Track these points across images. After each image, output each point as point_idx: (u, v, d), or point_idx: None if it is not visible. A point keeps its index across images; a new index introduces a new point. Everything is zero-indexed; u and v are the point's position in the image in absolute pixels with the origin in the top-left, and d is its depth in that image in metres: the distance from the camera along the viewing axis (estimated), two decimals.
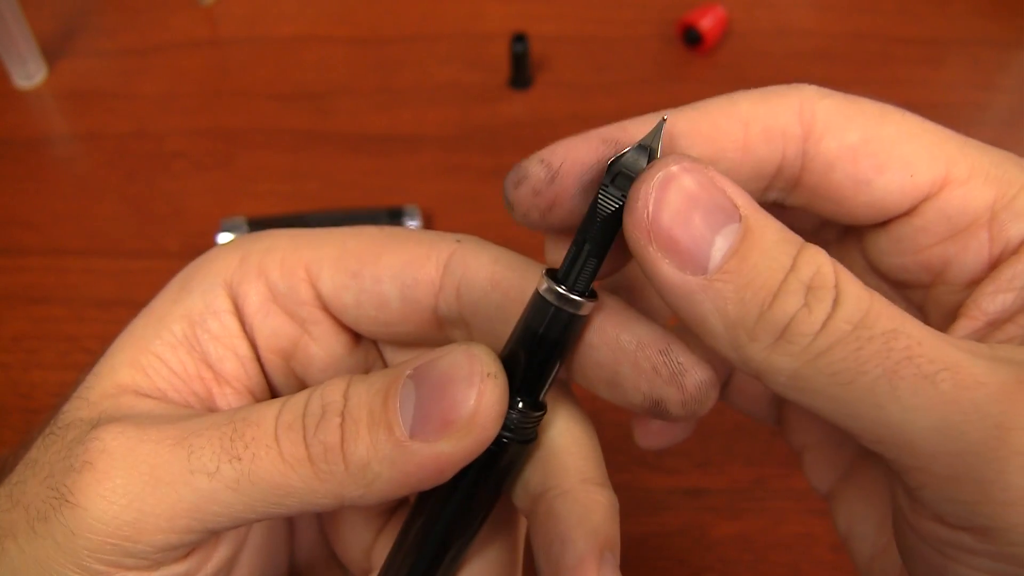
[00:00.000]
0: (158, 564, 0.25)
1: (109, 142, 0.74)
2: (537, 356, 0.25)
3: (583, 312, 0.24)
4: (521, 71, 0.76)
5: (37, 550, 0.24)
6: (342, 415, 0.24)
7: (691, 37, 0.78)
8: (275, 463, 0.24)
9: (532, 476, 0.26)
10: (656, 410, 0.25)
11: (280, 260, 0.28)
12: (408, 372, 0.24)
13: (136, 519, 0.24)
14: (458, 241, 0.27)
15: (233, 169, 0.72)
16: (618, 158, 0.23)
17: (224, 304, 0.28)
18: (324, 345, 0.29)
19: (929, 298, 0.27)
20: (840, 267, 0.22)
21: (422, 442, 0.23)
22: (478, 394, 0.23)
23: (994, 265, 0.25)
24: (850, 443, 0.30)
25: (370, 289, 0.28)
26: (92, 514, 0.24)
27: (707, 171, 0.22)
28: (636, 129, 0.24)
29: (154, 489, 0.24)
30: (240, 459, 0.24)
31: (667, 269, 0.22)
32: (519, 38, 0.74)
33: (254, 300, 0.28)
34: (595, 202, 0.23)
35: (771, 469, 0.55)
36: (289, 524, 0.32)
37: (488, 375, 0.23)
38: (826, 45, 0.78)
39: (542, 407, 0.26)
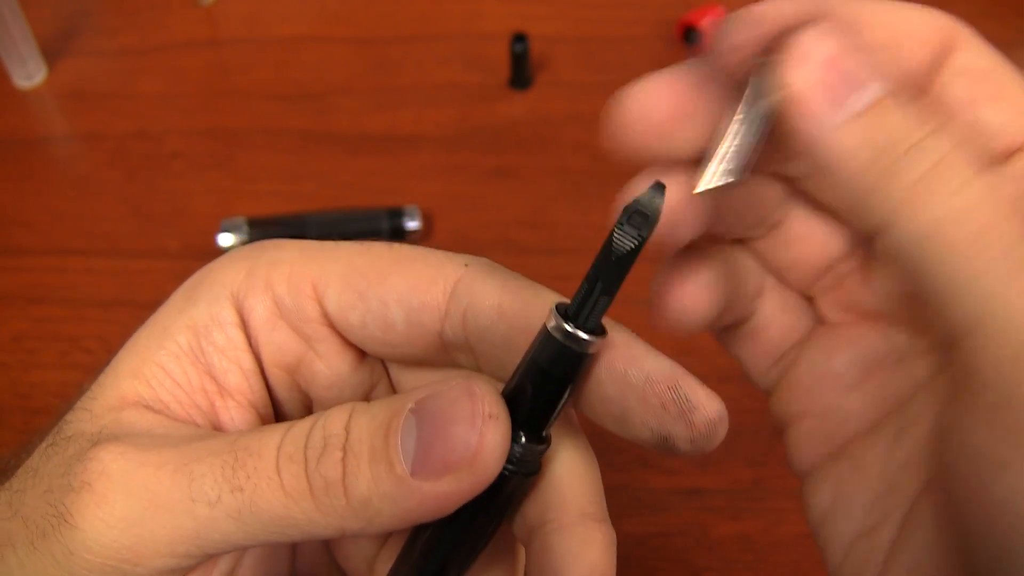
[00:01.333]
0: None
1: (109, 142, 0.74)
2: (543, 391, 0.24)
3: (591, 351, 0.24)
4: (521, 71, 0.76)
5: (36, 565, 0.24)
6: (344, 449, 0.24)
7: (691, 37, 0.78)
8: (277, 495, 0.24)
9: (531, 507, 0.26)
10: (664, 446, 0.25)
11: (287, 275, 0.28)
12: (411, 405, 0.24)
13: (135, 543, 0.24)
14: (466, 265, 0.27)
15: (233, 169, 0.72)
16: (634, 199, 0.23)
17: (230, 316, 0.28)
18: (329, 362, 0.29)
19: None
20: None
21: (423, 480, 0.23)
22: (479, 436, 0.23)
23: None
24: (854, 414, 0.29)
25: (376, 311, 0.27)
26: (91, 536, 0.24)
27: (857, 40, 0.23)
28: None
29: (154, 515, 0.24)
30: (242, 490, 0.24)
31: (812, 104, 0.22)
32: (519, 38, 0.74)
33: (260, 314, 0.28)
34: (609, 240, 0.23)
35: (771, 469, 0.55)
36: None
37: (490, 416, 0.23)
38: None
39: (546, 441, 0.25)
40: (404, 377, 0.30)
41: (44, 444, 0.27)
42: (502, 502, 0.26)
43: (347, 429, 0.24)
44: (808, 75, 0.22)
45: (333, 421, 0.24)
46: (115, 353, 0.28)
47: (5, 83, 0.78)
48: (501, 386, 0.25)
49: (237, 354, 0.28)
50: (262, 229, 0.64)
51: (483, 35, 0.81)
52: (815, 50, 0.23)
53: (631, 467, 0.55)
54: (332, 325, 0.28)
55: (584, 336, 0.23)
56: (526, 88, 0.77)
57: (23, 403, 0.59)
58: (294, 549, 0.32)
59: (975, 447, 0.22)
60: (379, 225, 0.66)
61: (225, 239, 0.64)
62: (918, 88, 0.26)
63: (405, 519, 0.24)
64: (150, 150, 0.73)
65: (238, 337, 0.28)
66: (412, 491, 0.23)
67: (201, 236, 0.67)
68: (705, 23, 0.78)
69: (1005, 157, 0.25)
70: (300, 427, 0.25)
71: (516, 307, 0.26)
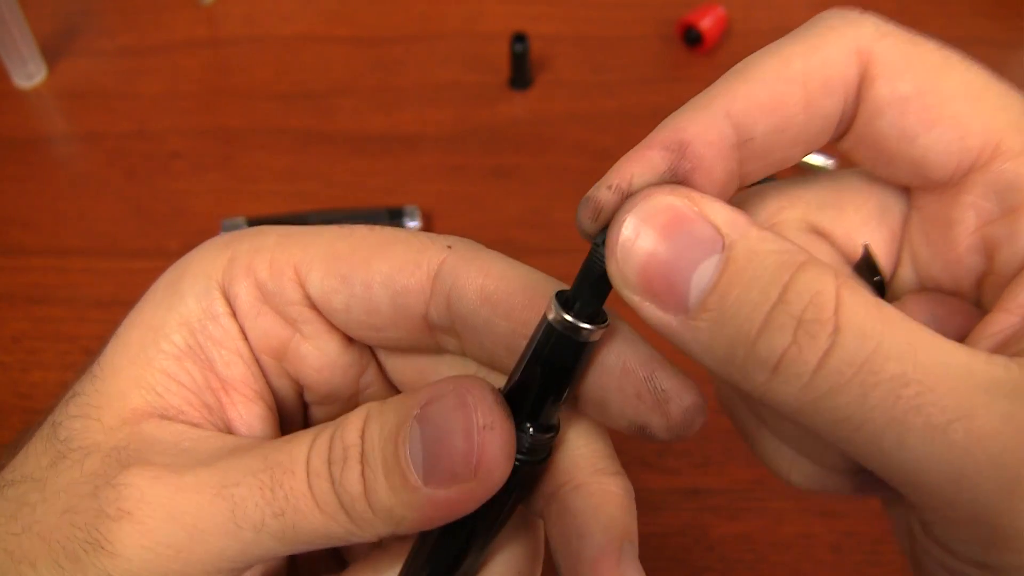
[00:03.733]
0: None
1: (109, 142, 0.74)
2: (546, 382, 0.24)
3: (592, 339, 0.24)
4: (521, 71, 0.76)
5: None
6: (361, 461, 0.24)
7: (691, 37, 0.78)
8: (314, 514, 0.24)
9: (545, 479, 0.26)
10: (642, 434, 0.24)
11: (269, 260, 0.28)
12: (415, 412, 0.24)
13: (182, 569, 0.24)
14: (449, 247, 0.27)
15: (233, 169, 0.72)
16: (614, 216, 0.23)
17: (222, 307, 0.28)
18: (317, 343, 0.29)
19: (981, 302, 0.25)
20: (848, 293, 0.20)
21: (435, 488, 0.23)
22: (478, 448, 0.23)
23: None
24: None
25: (360, 295, 0.27)
26: (135, 564, 0.23)
27: (684, 200, 0.21)
28: (694, 126, 0.23)
29: (199, 540, 0.24)
30: (283, 514, 0.24)
31: (649, 311, 0.21)
32: (519, 38, 0.74)
33: (244, 300, 0.28)
34: (589, 258, 0.23)
35: None
36: None
37: (484, 427, 0.23)
38: None
39: (554, 428, 0.25)
40: (392, 362, 0.30)
41: (43, 452, 0.26)
42: (517, 489, 0.25)
43: (362, 438, 0.24)
44: (633, 282, 0.21)
45: (350, 430, 0.24)
46: (99, 353, 0.28)
47: (5, 83, 0.78)
48: (501, 381, 0.25)
49: (236, 344, 0.28)
50: None
51: (483, 35, 0.81)
52: (635, 243, 0.21)
53: (631, 467, 0.54)
54: (315, 308, 0.28)
55: (584, 325, 0.23)
56: (526, 88, 0.77)
57: (23, 403, 0.59)
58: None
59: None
60: (379, 225, 0.66)
61: None
62: (841, 132, 0.24)
63: (429, 521, 0.24)
64: (150, 150, 0.73)
65: (233, 327, 0.28)
66: (427, 499, 0.23)
67: (201, 236, 0.66)
68: (705, 23, 0.78)
69: (957, 183, 0.24)
70: (323, 437, 0.25)
71: (499, 293, 0.26)
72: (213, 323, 0.28)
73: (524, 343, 0.25)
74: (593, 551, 0.24)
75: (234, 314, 0.28)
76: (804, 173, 0.60)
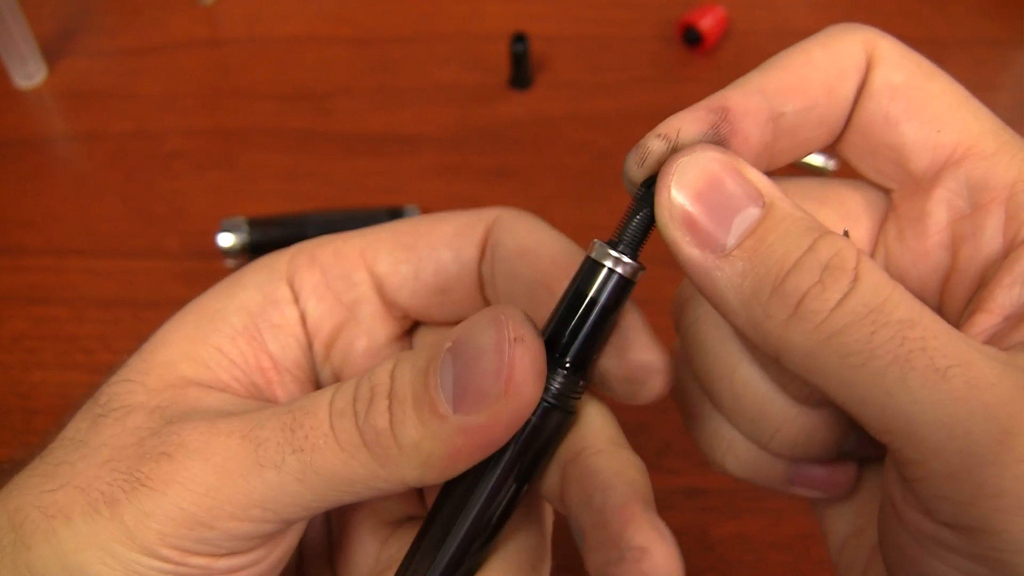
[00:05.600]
0: (228, 552, 0.25)
1: (109, 142, 0.74)
2: (582, 319, 0.25)
3: (628, 275, 0.25)
4: (521, 71, 0.76)
5: (99, 532, 0.24)
6: (389, 397, 0.24)
7: (691, 37, 0.78)
8: (334, 452, 0.24)
9: (563, 447, 0.27)
10: (601, 381, 0.27)
11: (332, 250, 0.30)
12: (448, 345, 0.24)
13: (212, 507, 0.24)
14: (504, 209, 0.30)
15: (233, 169, 0.72)
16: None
17: (285, 294, 0.29)
18: (369, 329, 0.30)
19: (943, 303, 0.27)
20: (866, 257, 0.22)
21: (465, 415, 0.23)
22: (508, 361, 0.23)
23: (1008, 251, 0.25)
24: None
25: (427, 256, 0.29)
26: (170, 499, 0.24)
27: (732, 159, 0.23)
28: (735, 96, 0.25)
29: (228, 480, 0.24)
30: (302, 450, 0.24)
31: (687, 248, 0.23)
32: (519, 38, 0.74)
33: (308, 285, 0.29)
34: (634, 202, 0.25)
35: None
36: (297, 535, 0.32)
37: (516, 340, 0.23)
38: None
39: (584, 377, 0.26)
40: None
41: (83, 418, 0.26)
42: (542, 439, 0.26)
43: (392, 377, 0.24)
44: (678, 218, 0.23)
45: (379, 372, 0.25)
46: (146, 339, 0.28)
47: (5, 83, 0.78)
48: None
49: (294, 329, 0.29)
50: (262, 229, 0.64)
51: (483, 35, 0.81)
52: (685, 183, 0.23)
53: None
54: (380, 289, 0.30)
55: (625, 259, 0.25)
56: (526, 88, 0.77)
57: (23, 403, 0.59)
58: (299, 565, 0.32)
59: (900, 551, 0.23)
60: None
61: (225, 239, 0.63)
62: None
63: (457, 458, 0.24)
64: (150, 150, 0.73)
65: (293, 314, 0.29)
66: (457, 428, 0.23)
67: (201, 236, 0.67)
68: (705, 23, 0.78)
69: (932, 178, 0.26)
70: (350, 382, 0.25)
71: (537, 248, 0.28)
72: (273, 307, 0.29)
73: (551, 298, 0.26)
74: (619, 500, 0.24)
75: (296, 301, 0.29)
76: (805, 174, 0.59)
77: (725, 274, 0.23)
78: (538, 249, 0.28)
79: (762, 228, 0.23)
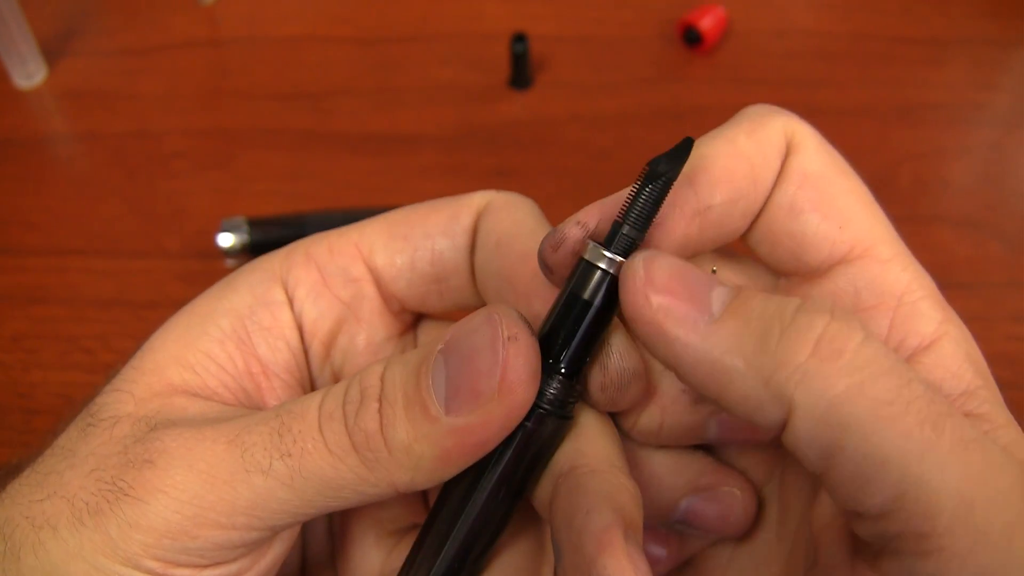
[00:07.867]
0: (213, 563, 0.24)
1: (109, 142, 0.74)
2: (577, 323, 0.24)
3: (617, 272, 0.24)
4: (521, 71, 0.76)
5: (83, 543, 0.23)
6: (379, 399, 0.24)
7: (691, 37, 0.78)
8: (323, 456, 0.24)
9: (559, 457, 0.26)
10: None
11: (328, 246, 0.29)
12: (440, 346, 0.24)
13: (196, 515, 0.23)
14: (496, 194, 0.29)
15: (233, 169, 0.72)
16: (657, 157, 0.24)
17: (278, 296, 0.29)
18: (369, 325, 0.29)
19: None
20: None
21: (456, 416, 0.23)
22: (502, 360, 0.23)
23: None
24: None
25: (422, 245, 0.29)
26: (153, 509, 0.23)
27: (679, 259, 0.23)
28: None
29: (212, 487, 0.24)
30: (290, 455, 0.24)
31: (673, 328, 0.22)
32: (519, 38, 0.74)
33: (305, 284, 0.29)
34: (643, 180, 0.24)
35: None
36: (300, 543, 0.32)
37: (510, 338, 0.23)
38: (826, 45, 0.78)
39: (579, 382, 0.25)
40: None
41: (75, 427, 0.26)
42: (538, 445, 0.25)
43: (382, 380, 0.24)
44: (654, 291, 0.22)
45: (370, 374, 0.25)
46: (145, 340, 0.28)
47: (5, 83, 0.78)
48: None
49: (284, 331, 0.28)
50: (262, 229, 0.64)
51: (483, 35, 0.81)
52: (654, 275, 0.23)
53: None
54: (378, 281, 0.29)
55: (619, 259, 0.24)
56: (526, 88, 0.77)
57: (23, 403, 0.58)
58: (303, 554, 0.32)
59: None
60: None
61: (225, 239, 0.63)
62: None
63: (448, 461, 0.23)
64: (150, 150, 0.73)
65: (285, 316, 0.29)
66: (448, 429, 0.23)
67: (201, 236, 0.66)
68: (705, 23, 0.77)
69: (823, 272, 0.26)
70: (340, 385, 0.25)
71: (512, 242, 0.27)
72: (263, 310, 0.28)
73: (515, 296, 0.26)
74: (600, 525, 0.23)
75: (290, 303, 0.29)
76: None
77: (721, 338, 0.21)
78: (512, 242, 0.27)
79: (743, 295, 0.22)
